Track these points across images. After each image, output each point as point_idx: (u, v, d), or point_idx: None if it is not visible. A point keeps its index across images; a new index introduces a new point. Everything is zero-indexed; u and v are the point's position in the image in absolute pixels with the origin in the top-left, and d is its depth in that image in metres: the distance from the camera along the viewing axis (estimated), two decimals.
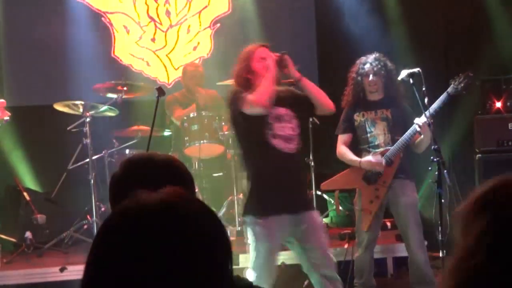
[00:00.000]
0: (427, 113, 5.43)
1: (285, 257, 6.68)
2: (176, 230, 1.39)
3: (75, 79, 8.82)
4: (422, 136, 5.69)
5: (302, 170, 5.24)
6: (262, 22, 9.12)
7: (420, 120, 5.61)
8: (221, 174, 7.88)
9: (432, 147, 4.99)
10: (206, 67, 8.56)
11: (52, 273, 6.62)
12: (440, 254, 4.78)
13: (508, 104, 6.92)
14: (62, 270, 6.55)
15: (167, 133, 7.88)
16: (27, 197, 7.76)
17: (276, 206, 4.82)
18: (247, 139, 5.03)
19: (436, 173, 4.96)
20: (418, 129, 5.62)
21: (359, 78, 5.98)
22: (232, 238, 6.94)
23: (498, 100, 6.92)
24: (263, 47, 5.19)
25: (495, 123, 6.89)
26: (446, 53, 8.69)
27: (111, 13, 9.12)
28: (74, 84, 8.76)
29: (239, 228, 7.32)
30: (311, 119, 7.72)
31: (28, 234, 7.35)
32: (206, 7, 9.30)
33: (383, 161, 5.78)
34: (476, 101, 7.15)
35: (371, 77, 5.90)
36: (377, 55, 5.99)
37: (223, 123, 7.52)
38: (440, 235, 4.80)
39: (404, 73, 5.59)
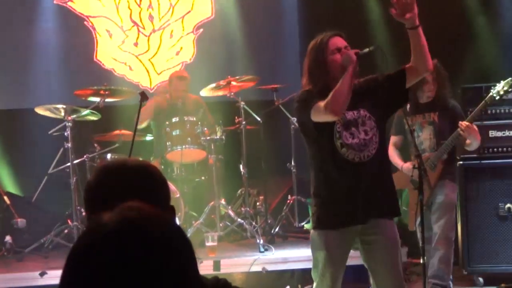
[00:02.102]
0: (409, 121, 5.48)
1: (265, 263, 6.68)
2: (140, 252, 1.38)
3: (57, 82, 8.80)
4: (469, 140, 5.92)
5: (380, 176, 4.48)
6: (245, 27, 9.14)
7: (463, 124, 5.79)
8: (202, 179, 7.87)
9: (414, 154, 5.00)
10: (189, 72, 8.55)
11: (32, 278, 6.57)
12: (421, 261, 4.78)
13: (489, 111, 6.95)
14: (42, 274, 6.51)
15: (149, 137, 7.87)
16: (7, 201, 7.70)
17: (338, 220, 4.43)
18: (315, 148, 4.50)
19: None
20: (462, 133, 5.77)
21: None
22: (213, 244, 6.93)
23: None
24: (338, 36, 4.49)
25: None
26: None
27: (94, 17, 9.10)
28: (56, 88, 8.74)
29: (221, 233, 7.32)
30: (293, 125, 7.74)
31: (8, 238, 7.31)
32: (189, 12, 9.30)
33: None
34: None
35: (430, 82, 6.01)
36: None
37: (205, 128, 7.51)
38: (421, 242, 4.81)
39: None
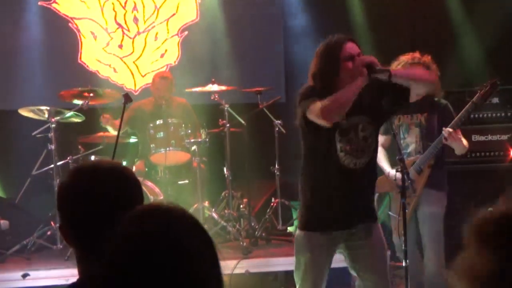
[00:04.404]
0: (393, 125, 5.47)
1: (249, 265, 6.69)
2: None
3: (41, 84, 8.77)
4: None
5: (369, 181, 4.53)
6: (230, 30, 9.15)
7: (447, 130, 5.54)
8: (186, 181, 7.87)
9: (397, 157, 5.00)
10: (174, 74, 8.55)
11: (15, 280, 6.56)
12: (404, 264, 4.80)
13: (472, 116, 7.00)
14: (24, 276, 6.50)
15: (133, 140, 7.86)
16: None
17: (324, 223, 4.44)
18: (311, 148, 4.46)
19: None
20: (444, 141, 5.58)
21: None
22: None
23: None
24: (352, 42, 4.42)
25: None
26: None
27: (79, 18, 9.07)
28: (39, 90, 8.71)
29: None
30: (277, 128, 7.76)
31: None
32: (174, 14, 9.30)
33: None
34: None
35: None
36: (415, 53, 5.89)
37: (189, 131, 7.52)
38: (403, 245, 4.83)
39: None
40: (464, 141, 5.71)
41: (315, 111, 4.21)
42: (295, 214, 8.03)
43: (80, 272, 2.17)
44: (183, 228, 1.57)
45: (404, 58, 5.81)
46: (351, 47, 4.36)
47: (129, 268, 1.49)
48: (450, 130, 5.55)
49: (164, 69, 9.12)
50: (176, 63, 9.27)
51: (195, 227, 1.60)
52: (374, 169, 4.58)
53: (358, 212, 4.45)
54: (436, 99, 5.83)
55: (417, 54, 5.85)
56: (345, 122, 4.33)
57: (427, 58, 5.80)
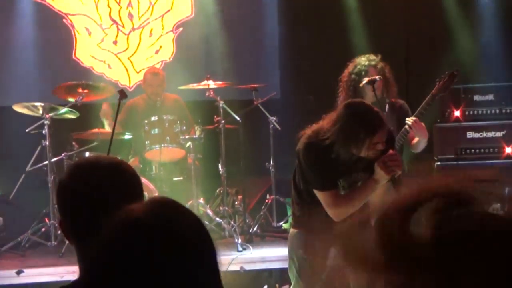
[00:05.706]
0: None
1: (243, 262, 6.69)
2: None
3: (35, 80, 8.75)
4: (417, 138, 5.64)
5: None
6: (224, 26, 9.14)
7: (410, 120, 5.51)
8: (181, 178, 7.85)
9: None
10: (168, 71, 8.53)
11: (9, 276, 6.54)
12: None
13: (467, 113, 7.01)
14: (18, 273, 6.48)
15: (127, 136, 7.84)
16: None
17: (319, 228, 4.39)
18: (308, 196, 4.45)
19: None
20: (409, 129, 5.57)
21: (358, 79, 5.71)
22: None
23: (457, 109, 7.01)
24: (385, 131, 4.35)
25: (454, 131, 6.98)
26: (406, 63, 8.78)
27: (73, 14, 9.05)
28: (34, 86, 8.69)
29: None
30: (272, 125, 7.75)
31: None
32: (169, 11, 9.28)
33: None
34: (435, 110, 7.23)
35: (377, 78, 5.63)
36: (371, 55, 5.89)
37: (184, 127, 7.50)
38: None
39: (365, 80, 5.62)
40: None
41: (326, 202, 4.31)
42: (290, 211, 8.01)
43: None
44: (185, 225, 1.54)
45: (360, 60, 5.83)
46: (381, 137, 4.27)
47: (125, 265, 1.47)
48: (414, 118, 5.54)
49: (159, 65, 9.10)
50: (171, 59, 9.25)
51: (197, 224, 1.60)
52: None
53: None
54: (393, 100, 5.86)
55: (373, 56, 5.86)
56: (344, 183, 4.39)
57: (383, 64, 5.82)
